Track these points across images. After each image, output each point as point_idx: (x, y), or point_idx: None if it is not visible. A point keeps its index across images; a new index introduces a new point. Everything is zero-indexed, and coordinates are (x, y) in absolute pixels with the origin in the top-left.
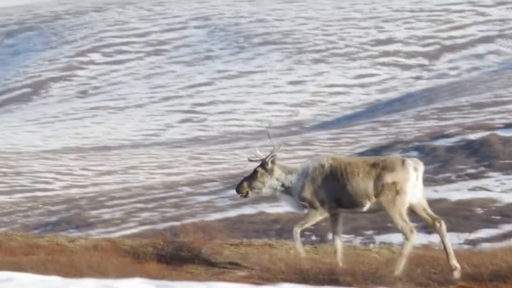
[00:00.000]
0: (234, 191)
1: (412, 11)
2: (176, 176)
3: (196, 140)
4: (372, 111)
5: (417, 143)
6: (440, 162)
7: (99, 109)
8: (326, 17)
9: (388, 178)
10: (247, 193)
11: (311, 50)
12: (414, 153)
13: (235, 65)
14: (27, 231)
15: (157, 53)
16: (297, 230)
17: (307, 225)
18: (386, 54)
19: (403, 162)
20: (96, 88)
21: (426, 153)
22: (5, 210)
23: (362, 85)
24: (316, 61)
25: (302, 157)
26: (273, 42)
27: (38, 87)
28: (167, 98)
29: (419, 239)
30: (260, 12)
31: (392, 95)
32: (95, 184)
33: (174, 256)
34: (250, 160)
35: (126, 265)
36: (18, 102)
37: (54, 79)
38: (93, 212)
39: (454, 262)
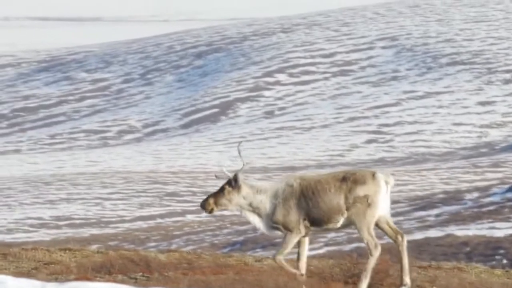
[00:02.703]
0: (419, 213)
1: None
2: None
3: (382, 161)
4: None
5: None
6: None
7: (285, 129)
8: None
9: (360, 191)
10: (212, 209)
11: (502, 70)
12: None
13: (422, 86)
14: (216, 250)
15: (343, 73)
16: (280, 258)
17: (287, 251)
18: None
19: (373, 175)
20: (282, 108)
21: None
22: (194, 229)
23: None
24: (507, 81)
25: (491, 179)
26: (461, 62)
27: (226, 108)
28: (352, 119)
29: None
30: (448, 32)
31: None
32: None
33: (361, 277)
34: (216, 177)
35: (313, 286)
36: (206, 123)
37: (242, 100)
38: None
39: (407, 278)
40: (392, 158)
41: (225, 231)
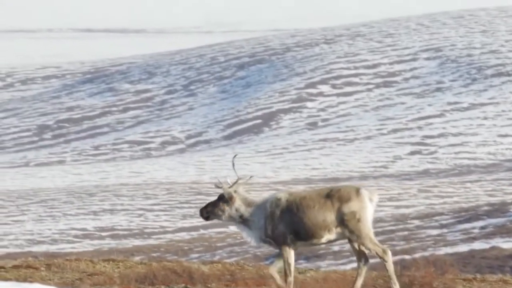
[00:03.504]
0: (464, 225)
1: None
2: (406, 209)
3: (425, 173)
4: None
5: None
6: None
7: (328, 140)
8: None
9: (346, 208)
10: (208, 217)
11: None
12: None
13: (466, 97)
14: (258, 262)
15: (386, 84)
16: (290, 280)
17: (292, 267)
18: None
19: (357, 191)
20: (325, 120)
21: None
22: (237, 240)
23: None
24: None
25: None
26: (506, 73)
27: (268, 119)
28: (396, 130)
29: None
30: (493, 43)
31: None
32: None
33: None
34: (217, 187)
35: None
36: (249, 134)
37: (284, 111)
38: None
39: None
40: (436, 170)
41: None
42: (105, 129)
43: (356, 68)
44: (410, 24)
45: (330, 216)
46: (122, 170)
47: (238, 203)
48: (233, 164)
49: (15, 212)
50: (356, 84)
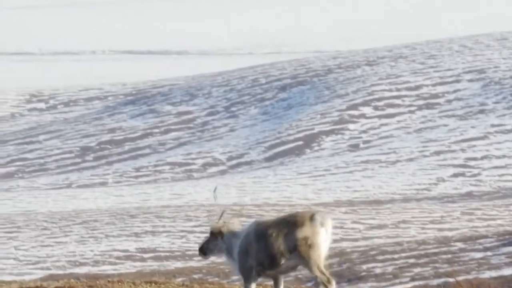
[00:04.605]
0: (508, 248)
1: None
2: (449, 232)
3: (469, 195)
4: None
5: None
6: None
7: (370, 162)
8: None
9: (299, 233)
10: (205, 254)
11: None
12: None
13: (510, 119)
14: (300, 284)
15: (428, 106)
16: None
17: None
18: None
19: (311, 217)
20: (367, 141)
21: None
22: None
23: None
24: None
25: None
26: None
27: (310, 141)
28: (438, 152)
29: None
30: None
31: None
32: (366, 238)
33: None
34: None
35: None
36: (290, 155)
37: (326, 133)
38: (364, 266)
39: None
40: (479, 192)
41: None
42: (147, 151)
43: (398, 90)
44: (453, 46)
45: (285, 243)
46: (163, 192)
47: (225, 236)
48: (215, 198)
49: (57, 234)
50: (398, 106)
